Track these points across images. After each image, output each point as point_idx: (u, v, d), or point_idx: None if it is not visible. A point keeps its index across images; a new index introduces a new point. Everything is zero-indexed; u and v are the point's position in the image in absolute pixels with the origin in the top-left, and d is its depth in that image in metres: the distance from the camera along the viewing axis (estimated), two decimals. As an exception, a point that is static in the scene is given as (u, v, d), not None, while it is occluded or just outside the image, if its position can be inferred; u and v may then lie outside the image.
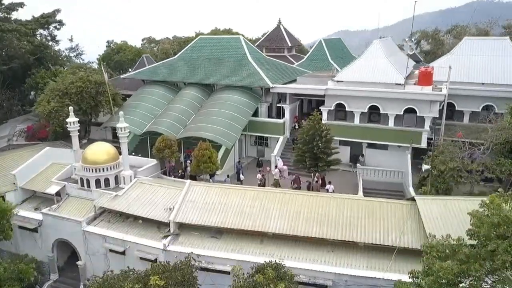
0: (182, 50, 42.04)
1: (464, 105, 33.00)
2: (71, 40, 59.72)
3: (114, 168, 27.79)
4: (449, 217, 21.03)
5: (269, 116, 37.12)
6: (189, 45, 42.10)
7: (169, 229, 23.70)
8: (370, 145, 33.92)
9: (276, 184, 29.10)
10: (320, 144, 26.07)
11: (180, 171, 31.39)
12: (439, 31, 69.91)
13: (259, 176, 30.56)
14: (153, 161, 30.85)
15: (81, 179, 27.59)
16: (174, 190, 25.84)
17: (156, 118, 35.36)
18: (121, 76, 43.20)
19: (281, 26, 54.84)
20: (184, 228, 23.95)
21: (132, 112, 35.96)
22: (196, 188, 25.41)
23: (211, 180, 29.47)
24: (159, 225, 24.32)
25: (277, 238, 22.62)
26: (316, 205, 23.17)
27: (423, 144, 31.31)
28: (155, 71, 40.59)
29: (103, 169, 27.31)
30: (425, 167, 25.96)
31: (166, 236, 23.47)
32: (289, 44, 53.37)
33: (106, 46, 72.21)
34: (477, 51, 34.16)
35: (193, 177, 30.67)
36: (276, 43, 53.39)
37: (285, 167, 32.33)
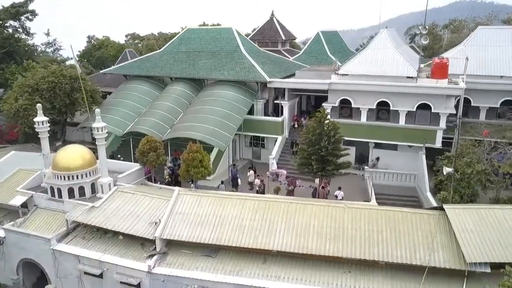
0: (169, 43, 38.27)
1: (480, 100, 30.10)
2: (47, 34, 55.50)
3: (90, 174, 24.00)
4: (486, 229, 17.91)
5: (266, 114, 33.70)
6: (176, 37, 38.36)
7: (155, 247, 20.07)
8: (377, 145, 30.83)
9: (277, 191, 25.67)
10: (328, 145, 22.74)
11: (167, 177, 27.68)
12: (436, 25, 67.59)
13: (257, 181, 27.07)
14: (136, 166, 27.15)
15: (52, 188, 23.73)
16: (160, 200, 22.20)
17: (139, 117, 31.61)
18: (101, 71, 39.19)
19: (274, 19, 51.44)
20: (172, 245, 20.34)
21: (113, 110, 32.14)
22: (186, 197, 21.81)
23: (193, 186, 25.89)
24: (143, 242, 20.67)
25: (283, 257, 19.18)
26: (327, 216, 19.80)
27: (438, 144, 28.30)
28: (138, 66, 36.76)
29: (77, 176, 23.50)
30: (446, 169, 22.76)
31: (151, 256, 19.83)
32: (283, 38, 50.02)
33: (87, 42, 67.95)
34: (493, 41, 31.29)
35: (176, 183, 27.18)
36: (269, 36, 49.98)
37: (284, 171, 28.99)
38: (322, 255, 18.42)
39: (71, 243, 21.44)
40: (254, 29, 57.47)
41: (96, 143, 23.40)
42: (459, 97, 28.69)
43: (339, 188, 24.82)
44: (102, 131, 23.06)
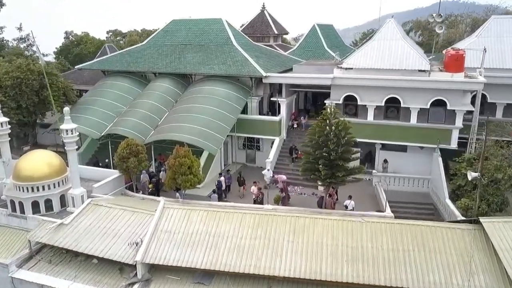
0: (152, 35, 34.70)
1: (498, 96, 27.45)
2: (19, 28, 51.13)
3: (59, 185, 20.42)
4: (533, 247, 15.00)
5: (260, 113, 30.47)
6: (160, 29, 34.79)
7: (136, 273, 16.64)
8: (383, 147, 27.93)
9: (278, 200, 22.48)
10: (338, 148, 19.63)
11: (150, 185, 24.21)
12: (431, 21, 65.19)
13: (253, 189, 23.77)
14: (115, 173, 23.65)
15: (12, 202, 20.08)
16: (142, 215, 18.76)
17: (119, 117, 28.02)
18: (76, 67, 35.36)
19: (265, 12, 48.20)
20: (157, 270, 16.94)
21: (89, 110, 28.51)
22: (173, 212, 18.39)
23: (178, 195, 22.60)
24: (122, 267, 17.22)
25: (291, 283, 15.97)
26: (343, 233, 16.67)
27: (454, 145, 25.51)
28: (118, 60, 33.11)
29: (42, 187, 19.91)
30: (471, 174, 19.83)
31: (131, 284, 16.41)
32: (275, 32, 46.84)
33: (64, 38, 63.55)
34: (509, 32, 28.63)
35: (153, 192, 23.83)
36: (261, 30, 46.74)
37: (283, 177, 25.88)
38: (338, 281, 15.27)
39: (34, 269, 17.84)
40: (243, 25, 54.12)
41: (65, 148, 19.82)
42: (474, 93, 26.05)
43: (350, 197, 21.74)
44: (72, 133, 19.50)
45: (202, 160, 24.77)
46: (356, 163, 22.90)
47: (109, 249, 17.24)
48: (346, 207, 21.43)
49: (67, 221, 18.66)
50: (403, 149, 27.66)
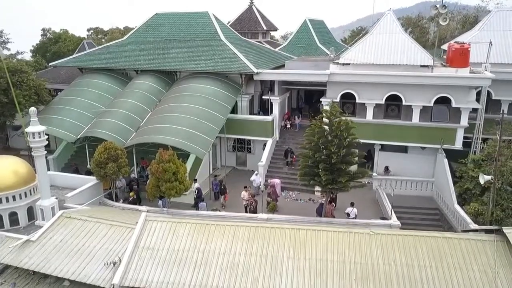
0: (133, 30, 32.30)
1: (503, 93, 25.98)
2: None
3: (26, 196, 18.05)
4: None
5: (251, 112, 28.46)
6: (142, 23, 32.43)
7: (114, 298, 14.42)
8: (383, 147, 26.23)
9: (273, 209, 20.47)
10: (340, 151, 17.73)
11: (131, 193, 21.98)
12: (423, 17, 64.26)
13: (244, 194, 21.68)
14: (92, 180, 21.36)
15: (-28, 216, 17.61)
16: (121, 229, 16.52)
17: (97, 118, 25.63)
18: (51, 64, 32.71)
19: (253, 7, 46.17)
20: (138, 294, 14.73)
21: (63, 111, 26.08)
22: (157, 225, 16.19)
23: (160, 203, 20.50)
24: (98, 290, 14.97)
25: (292, 306, 13.98)
26: (350, 247, 14.73)
27: (458, 145, 23.93)
28: (97, 57, 30.65)
29: (6, 198, 17.53)
30: (484, 177, 18.18)
31: (108, 311, 14.19)
32: (264, 28, 44.86)
33: (42, 35, 60.33)
34: (512, 25, 27.24)
35: (134, 201, 21.65)
36: (249, 26, 44.70)
37: (277, 181, 24.01)
38: (347, 303, 13.35)
39: (-5, 294, 15.49)
40: (229, 22, 51.94)
41: (33, 153, 17.43)
42: (478, 89, 24.51)
43: (352, 204, 19.86)
44: (40, 137, 17.13)
45: (189, 165, 22.61)
46: (354, 166, 21.07)
47: (83, 270, 14.97)
48: (348, 215, 19.56)
49: (35, 237, 16.28)
50: (404, 150, 26.09)
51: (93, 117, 25.89)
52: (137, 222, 16.26)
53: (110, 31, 70.75)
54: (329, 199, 20.08)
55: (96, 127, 24.42)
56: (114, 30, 70.69)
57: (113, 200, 21.77)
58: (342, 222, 18.86)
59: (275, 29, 47.93)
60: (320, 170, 17.93)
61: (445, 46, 31.63)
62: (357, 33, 73.30)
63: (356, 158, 18.72)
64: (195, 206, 21.61)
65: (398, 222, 18.68)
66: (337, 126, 17.99)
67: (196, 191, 21.95)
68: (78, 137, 24.56)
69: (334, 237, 15.06)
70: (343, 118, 18.31)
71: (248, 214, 19.79)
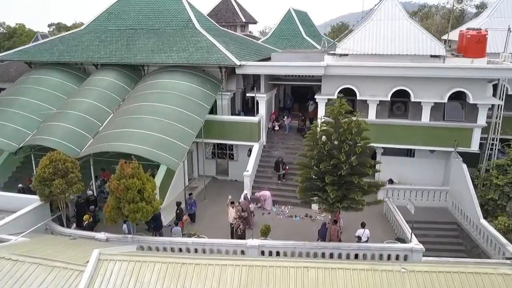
0: (93, 19, 27.64)
1: (519, 87, 22.97)
2: None
3: None
4: None
5: (232, 112, 24.49)
6: (103, 11, 27.80)
7: None
8: (385, 151, 22.79)
9: (266, 232, 16.47)
10: (353, 160, 14.02)
11: (86, 216, 17.57)
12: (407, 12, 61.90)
13: (231, 212, 17.63)
14: (34, 202, 16.87)
15: None
16: (66, 272, 12.22)
17: (45, 122, 21.01)
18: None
19: (231, -3, 42.09)
20: None
21: (4, 113, 21.36)
22: (114, 266, 11.96)
23: (125, 227, 16.34)
24: None
25: None
26: (377, 292, 10.98)
27: (474, 147, 20.71)
28: (48, 49, 25.86)
29: None
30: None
31: None
32: (243, 20, 40.90)
33: (-6, 30, 54.51)
34: (525, 11, 24.37)
35: (88, 226, 17.28)
36: (226, 18, 40.62)
37: (267, 193, 20.24)
38: None
39: None
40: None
41: None
42: (493, 83, 21.42)
43: (363, 225, 16.18)
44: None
45: (158, 179, 18.41)
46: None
47: (7, 338, 10.64)
48: (360, 238, 15.84)
49: None
50: (410, 153, 22.79)
51: (41, 121, 21.26)
52: (87, 262, 12.06)
53: (74, 27, 65.14)
54: (335, 218, 16.32)
55: (44, 133, 19.81)
56: (78, 25, 65.08)
57: (63, 225, 17.35)
58: (353, 247, 15.19)
59: (255, 22, 44.08)
60: (327, 184, 14.15)
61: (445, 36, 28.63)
62: (338, 29, 70.65)
63: (370, 169, 14.98)
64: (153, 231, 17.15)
65: (420, 246, 15.14)
66: (346, 128, 14.27)
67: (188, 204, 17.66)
68: (21, 146, 19.89)
69: (355, 278, 11.26)
70: (354, 118, 14.61)
71: (234, 241, 15.81)
